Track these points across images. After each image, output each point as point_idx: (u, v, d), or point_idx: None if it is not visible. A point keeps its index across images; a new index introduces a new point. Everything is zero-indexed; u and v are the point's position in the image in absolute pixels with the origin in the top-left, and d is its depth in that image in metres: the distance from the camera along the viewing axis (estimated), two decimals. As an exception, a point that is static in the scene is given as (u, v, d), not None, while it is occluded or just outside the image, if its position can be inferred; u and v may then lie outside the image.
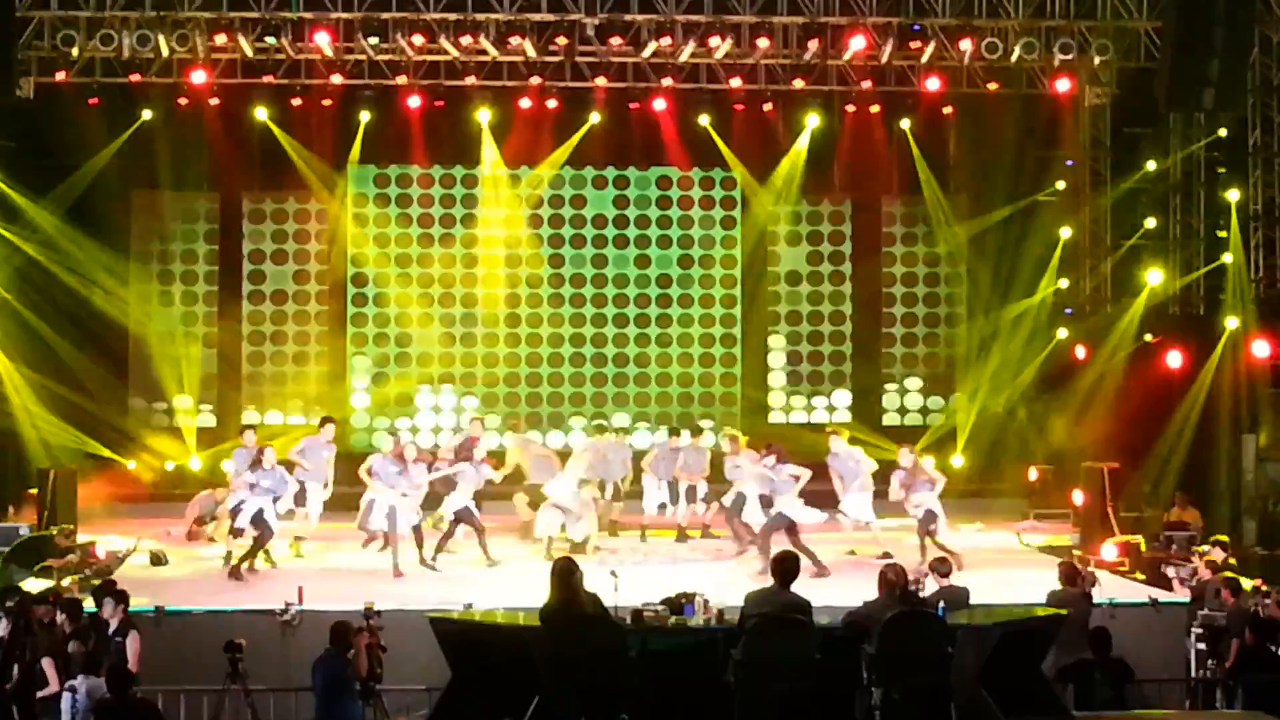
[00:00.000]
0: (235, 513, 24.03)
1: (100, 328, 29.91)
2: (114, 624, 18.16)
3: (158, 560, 24.63)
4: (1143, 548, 25.27)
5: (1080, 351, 30.51)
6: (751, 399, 32.54)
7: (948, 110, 30.76)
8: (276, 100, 29.81)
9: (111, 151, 29.44)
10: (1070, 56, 28.41)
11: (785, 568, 15.34)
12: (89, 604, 19.07)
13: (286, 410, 31.93)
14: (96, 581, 20.57)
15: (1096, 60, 28.74)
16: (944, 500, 24.97)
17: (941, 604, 16.54)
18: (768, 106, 30.55)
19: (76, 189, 29.28)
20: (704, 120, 30.65)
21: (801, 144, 31.03)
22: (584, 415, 32.33)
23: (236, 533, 23.94)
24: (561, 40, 28.36)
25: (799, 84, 29.55)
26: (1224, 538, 23.10)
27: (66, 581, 22.32)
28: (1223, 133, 28.60)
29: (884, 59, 28.71)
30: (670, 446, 27.42)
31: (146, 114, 29.41)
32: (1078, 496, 27.58)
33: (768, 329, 32.82)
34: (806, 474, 24.23)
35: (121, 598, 18.49)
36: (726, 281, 32.67)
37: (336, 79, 29.12)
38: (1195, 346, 28.69)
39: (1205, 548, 23.27)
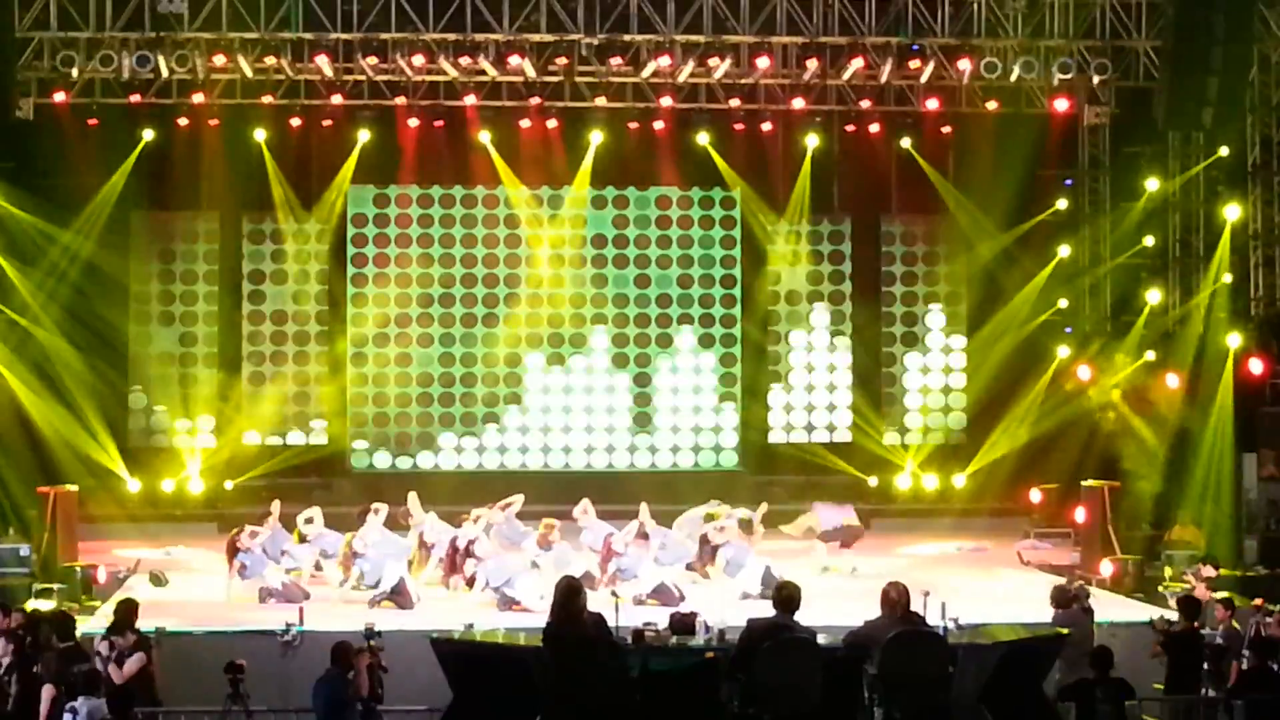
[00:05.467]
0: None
1: (100, 347, 29.91)
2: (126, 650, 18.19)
3: (158, 581, 24.62)
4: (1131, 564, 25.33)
5: (1084, 371, 30.50)
6: (752, 419, 32.49)
7: (947, 130, 30.75)
8: (276, 121, 29.84)
9: (120, 173, 29.45)
10: (1069, 76, 28.51)
11: (785, 595, 15.26)
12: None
13: (285, 431, 31.86)
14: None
15: (1095, 79, 28.81)
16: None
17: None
18: (767, 126, 30.56)
19: (76, 209, 29.30)
20: (703, 140, 30.69)
21: (801, 164, 31.03)
22: (586, 433, 32.35)
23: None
24: (561, 60, 28.42)
25: (798, 104, 29.59)
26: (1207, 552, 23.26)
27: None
28: (1224, 151, 28.59)
29: (883, 79, 28.76)
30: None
31: (148, 134, 29.42)
32: (1079, 515, 27.55)
33: (768, 348, 32.78)
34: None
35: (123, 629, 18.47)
36: (726, 301, 32.66)
37: (336, 99, 29.19)
38: (1196, 365, 28.69)
39: (1199, 566, 23.38)
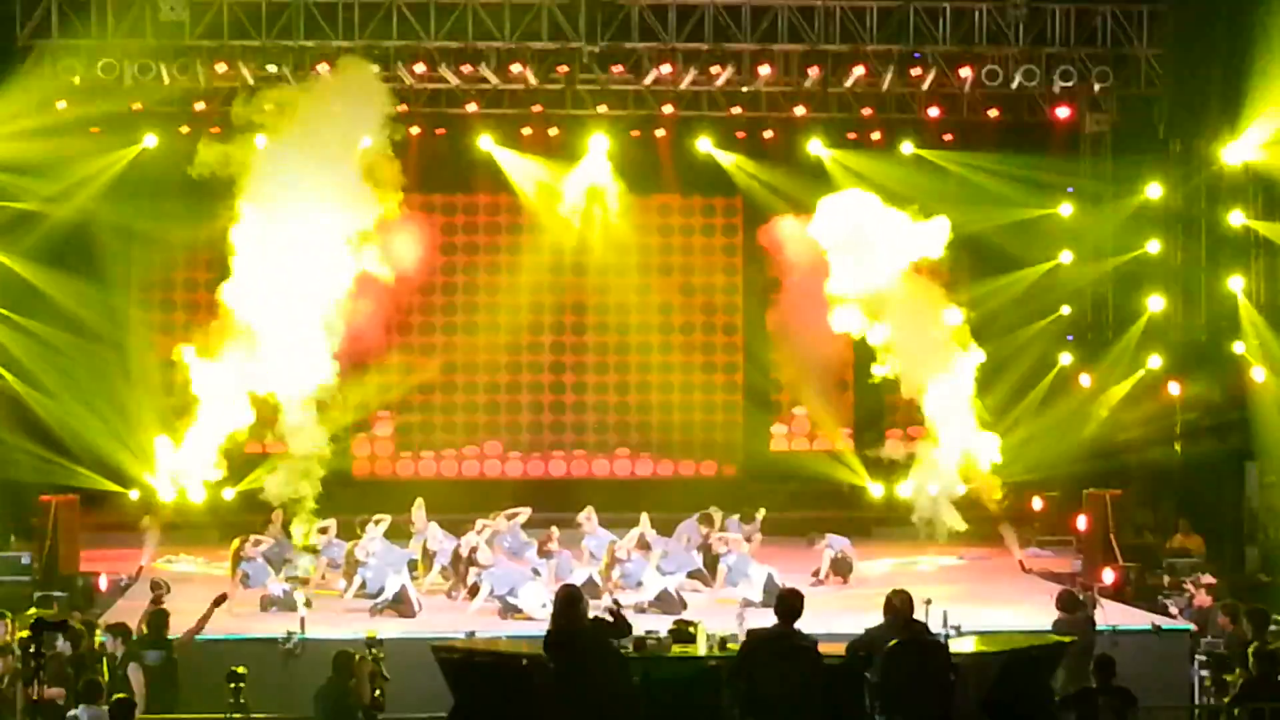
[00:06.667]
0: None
1: (102, 356, 29.85)
2: (119, 657, 18.23)
3: (158, 589, 24.59)
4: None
5: (1085, 379, 30.50)
6: (754, 426, 32.47)
7: (948, 137, 30.75)
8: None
9: (112, 179, 29.43)
10: (1071, 84, 28.44)
11: (788, 606, 15.24)
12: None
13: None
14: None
15: (1097, 87, 28.76)
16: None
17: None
18: (768, 134, 30.58)
19: (78, 217, 29.26)
20: (704, 147, 30.71)
21: (801, 170, 31.00)
22: (585, 445, 32.33)
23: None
24: (562, 68, 28.41)
25: (800, 111, 29.59)
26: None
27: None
28: (1226, 159, 28.56)
29: (884, 86, 28.75)
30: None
31: (149, 141, 29.44)
32: (1081, 522, 27.54)
33: (769, 356, 32.72)
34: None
35: (122, 631, 18.54)
36: (728, 309, 32.64)
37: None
38: (1198, 371, 28.70)
39: (1198, 574, 23.47)
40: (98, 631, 19.37)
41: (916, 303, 25.62)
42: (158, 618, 19.04)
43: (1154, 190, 29.78)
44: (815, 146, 30.64)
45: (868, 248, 25.64)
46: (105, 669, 18.19)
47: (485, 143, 30.60)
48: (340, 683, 16.94)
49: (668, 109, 29.60)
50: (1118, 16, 28.43)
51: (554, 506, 26.82)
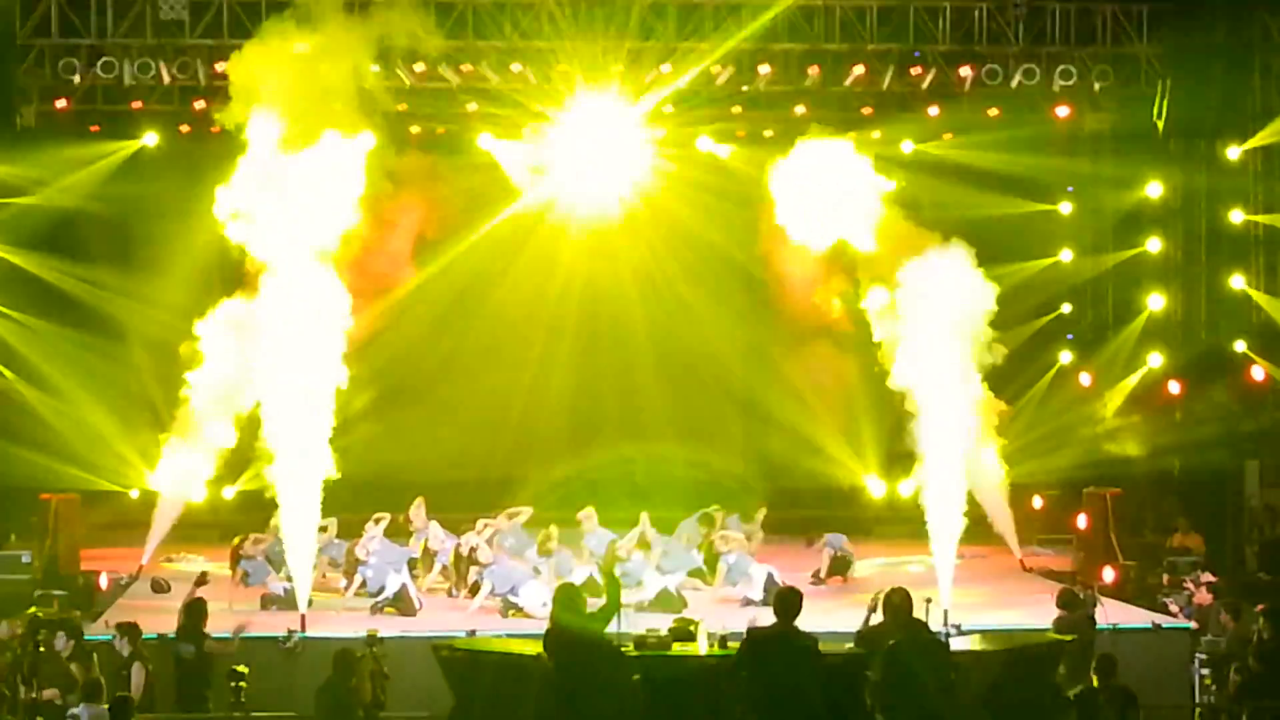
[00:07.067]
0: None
1: (104, 353, 29.86)
2: (124, 655, 18.29)
3: (159, 588, 24.63)
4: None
5: (1085, 377, 30.52)
6: (754, 424, 32.47)
7: (948, 136, 30.75)
8: (278, 127, 29.81)
9: (110, 176, 29.45)
10: (1071, 83, 28.43)
11: (787, 604, 15.25)
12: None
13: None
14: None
15: (1097, 86, 28.75)
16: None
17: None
18: (768, 133, 30.56)
19: (77, 216, 29.27)
20: (705, 146, 30.70)
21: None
22: (586, 444, 32.30)
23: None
24: (563, 68, 28.39)
25: (800, 110, 29.59)
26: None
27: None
28: (1228, 157, 28.60)
29: (884, 86, 28.75)
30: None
31: (149, 140, 29.45)
32: (1080, 522, 27.55)
33: (771, 355, 32.69)
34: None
35: (130, 630, 18.61)
36: (728, 309, 32.58)
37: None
38: (1198, 370, 28.71)
39: (1198, 573, 23.52)
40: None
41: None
42: (195, 608, 19.10)
43: (1154, 189, 29.80)
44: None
45: (841, 195, 25.42)
46: (96, 666, 18.25)
47: (486, 144, 30.57)
48: (341, 681, 16.95)
49: (668, 109, 29.56)
50: (1118, 16, 28.43)
51: (553, 506, 26.82)
